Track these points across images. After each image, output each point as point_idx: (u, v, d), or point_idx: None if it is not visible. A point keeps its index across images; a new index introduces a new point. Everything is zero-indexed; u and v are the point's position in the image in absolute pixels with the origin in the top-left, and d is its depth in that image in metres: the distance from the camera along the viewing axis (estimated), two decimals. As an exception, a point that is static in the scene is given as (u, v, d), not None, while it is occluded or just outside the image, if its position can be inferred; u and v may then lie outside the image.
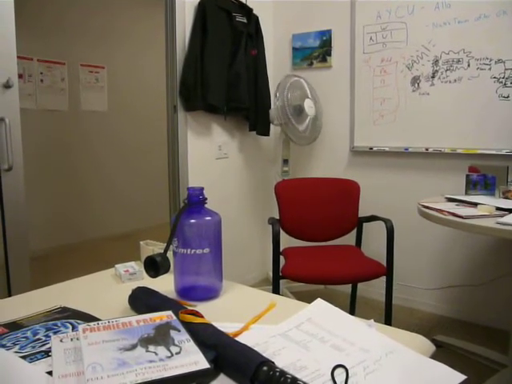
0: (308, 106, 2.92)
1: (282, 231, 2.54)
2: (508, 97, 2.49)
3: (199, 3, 2.76)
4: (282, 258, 2.39)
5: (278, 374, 0.60)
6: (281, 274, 2.25)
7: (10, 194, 1.98)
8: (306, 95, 3.00)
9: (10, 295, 1.94)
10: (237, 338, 0.74)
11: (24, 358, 0.70)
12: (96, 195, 4.88)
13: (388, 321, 2.33)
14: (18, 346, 0.74)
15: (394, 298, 2.97)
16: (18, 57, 1.98)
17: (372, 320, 0.83)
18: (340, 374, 0.66)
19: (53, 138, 4.45)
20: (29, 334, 0.78)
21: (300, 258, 2.42)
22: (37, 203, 4.31)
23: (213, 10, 2.79)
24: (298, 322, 0.83)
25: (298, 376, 0.64)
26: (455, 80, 2.65)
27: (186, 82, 2.70)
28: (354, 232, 2.70)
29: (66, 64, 4.51)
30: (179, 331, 0.70)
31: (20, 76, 4.09)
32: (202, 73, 2.74)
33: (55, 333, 0.78)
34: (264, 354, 0.67)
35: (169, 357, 0.62)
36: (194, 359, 0.62)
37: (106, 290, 1.05)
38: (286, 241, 2.85)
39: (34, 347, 0.73)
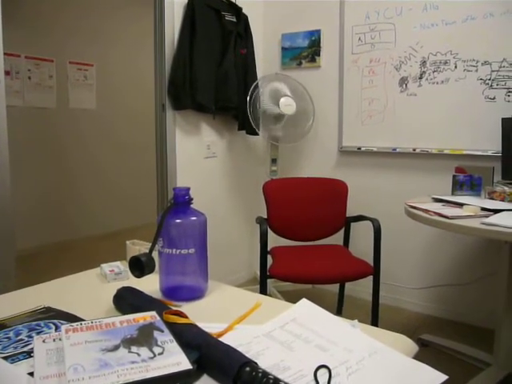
0: (284, 104, 2.92)
1: (269, 231, 2.54)
2: (494, 98, 2.52)
3: (188, 2, 2.75)
4: (269, 258, 2.40)
5: (260, 374, 0.60)
6: (268, 274, 2.25)
7: (-5, 192, 1.96)
8: (284, 93, 2.99)
9: (-6, 294, 1.92)
10: (221, 339, 0.74)
11: (6, 358, 0.69)
12: (84, 194, 4.84)
13: (375, 320, 2.35)
14: (-1, 347, 0.73)
15: (381, 297, 2.98)
16: (6, 53, 1.96)
17: (356, 320, 0.83)
18: (323, 375, 0.67)
19: (40, 136, 4.41)
20: (11, 334, 0.78)
21: (288, 257, 2.43)
22: (24, 201, 4.27)
23: (202, 8, 2.78)
24: (282, 323, 0.83)
25: (280, 376, 0.64)
26: (442, 81, 2.67)
27: (175, 81, 2.69)
28: (342, 232, 2.71)
29: (55, 61, 4.47)
30: (162, 332, 0.70)
31: (7, 73, 4.05)
32: (190, 72, 2.73)
33: (38, 333, 0.78)
34: (247, 355, 0.67)
35: (151, 358, 0.62)
36: (176, 360, 0.62)
37: (91, 289, 1.05)
38: (274, 240, 2.85)
39: (16, 348, 0.73)
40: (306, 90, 3.13)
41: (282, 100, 2.91)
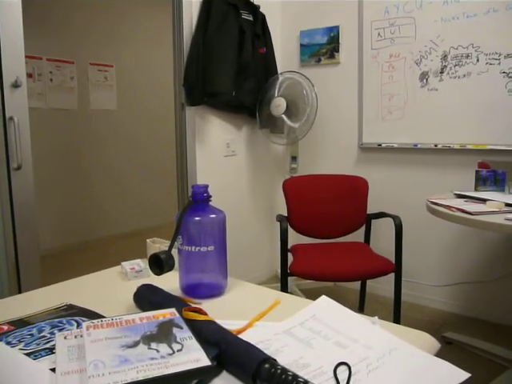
0: (275, 105, 2.92)
1: (290, 228, 2.53)
2: (518, 91, 2.46)
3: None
4: (290, 256, 2.39)
5: (279, 371, 0.60)
6: (289, 271, 2.24)
7: (19, 192, 2.00)
8: (274, 95, 2.99)
9: (20, 293, 1.96)
10: (240, 336, 0.74)
11: (28, 355, 0.70)
12: (105, 193, 4.91)
13: (397, 318, 2.32)
14: (23, 343, 0.74)
15: (403, 294, 2.94)
16: (28, 56, 2.00)
17: (376, 317, 0.82)
18: (343, 372, 0.66)
19: (62, 137, 4.48)
20: (34, 331, 0.79)
21: (308, 254, 2.42)
22: (46, 202, 4.35)
23: (219, 3, 2.75)
24: (301, 320, 0.83)
25: (300, 373, 0.64)
26: (464, 75, 2.62)
27: (188, 76, 2.66)
28: (363, 229, 2.68)
29: (76, 63, 4.54)
30: (182, 328, 0.70)
31: (30, 75, 4.12)
32: (202, 65, 2.68)
33: (60, 330, 0.79)
34: (267, 352, 0.67)
35: (170, 354, 0.63)
36: (195, 356, 0.62)
37: (112, 287, 1.06)
38: (295, 238, 2.84)
39: (38, 344, 0.74)
40: (305, 83, 3.00)
41: (272, 102, 2.92)
